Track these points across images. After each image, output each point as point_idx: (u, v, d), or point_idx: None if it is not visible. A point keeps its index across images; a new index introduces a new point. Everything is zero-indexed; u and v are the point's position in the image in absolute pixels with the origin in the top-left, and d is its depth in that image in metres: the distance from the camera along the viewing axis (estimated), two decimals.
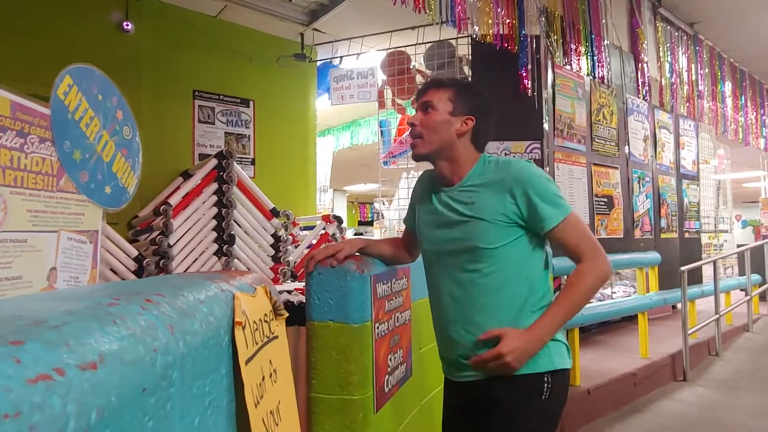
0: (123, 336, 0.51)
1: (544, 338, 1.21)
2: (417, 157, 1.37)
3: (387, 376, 1.60)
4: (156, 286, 0.74)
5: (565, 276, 3.44)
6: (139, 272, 2.52)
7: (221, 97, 4.33)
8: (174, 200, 2.96)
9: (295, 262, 3.39)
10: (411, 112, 4.55)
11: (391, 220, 6.09)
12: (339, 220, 3.71)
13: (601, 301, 4.85)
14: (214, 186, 3.14)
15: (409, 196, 1.57)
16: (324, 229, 3.65)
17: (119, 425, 0.46)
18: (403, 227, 1.61)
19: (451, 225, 1.32)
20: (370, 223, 15.70)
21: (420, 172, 1.53)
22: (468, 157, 1.34)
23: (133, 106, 1.55)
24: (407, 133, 4.67)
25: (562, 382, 1.27)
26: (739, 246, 7.22)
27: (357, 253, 1.52)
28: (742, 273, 6.10)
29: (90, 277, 1.19)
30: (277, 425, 0.86)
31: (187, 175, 3.43)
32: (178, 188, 3.19)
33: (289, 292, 2.55)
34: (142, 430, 0.50)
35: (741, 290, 5.72)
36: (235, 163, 3.23)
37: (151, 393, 0.53)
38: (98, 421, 0.42)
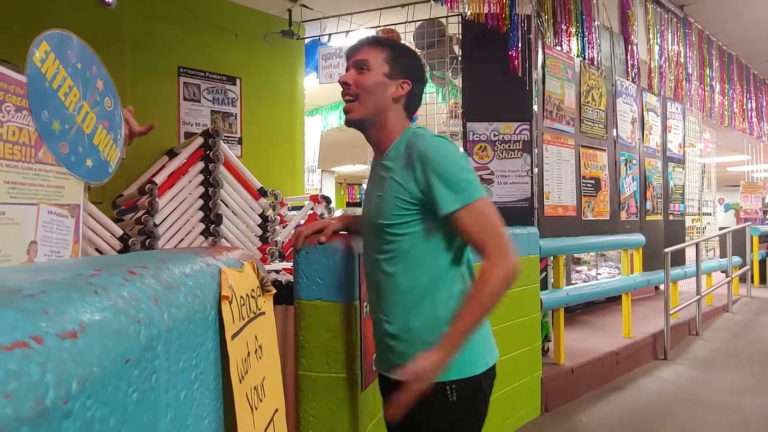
0: (105, 306, 0.49)
1: (446, 359, 1.08)
2: (351, 123, 1.24)
3: (375, 354, 1.61)
4: (140, 259, 0.72)
5: (552, 257, 3.47)
6: (124, 252, 2.49)
7: (207, 74, 4.24)
8: (159, 179, 2.91)
9: (283, 242, 3.37)
10: None
11: None
12: (327, 200, 3.68)
13: (586, 282, 4.92)
14: (201, 165, 3.10)
15: None
16: (312, 209, 3.63)
17: (102, 396, 0.45)
18: None
19: (372, 201, 1.25)
20: (359, 204, 15.65)
21: None
22: (398, 125, 1.24)
23: (115, 83, 1.51)
24: None
25: (473, 387, 1.16)
26: (721, 229, 7.35)
27: (345, 231, 1.50)
28: (723, 255, 6.21)
29: (72, 252, 1.16)
30: (260, 401, 0.86)
31: (172, 154, 3.37)
32: (163, 167, 3.14)
33: (277, 272, 2.54)
34: (125, 402, 0.49)
35: (722, 272, 5.84)
36: (221, 141, 3.19)
37: (134, 365, 0.52)
38: (80, 391, 0.41)
